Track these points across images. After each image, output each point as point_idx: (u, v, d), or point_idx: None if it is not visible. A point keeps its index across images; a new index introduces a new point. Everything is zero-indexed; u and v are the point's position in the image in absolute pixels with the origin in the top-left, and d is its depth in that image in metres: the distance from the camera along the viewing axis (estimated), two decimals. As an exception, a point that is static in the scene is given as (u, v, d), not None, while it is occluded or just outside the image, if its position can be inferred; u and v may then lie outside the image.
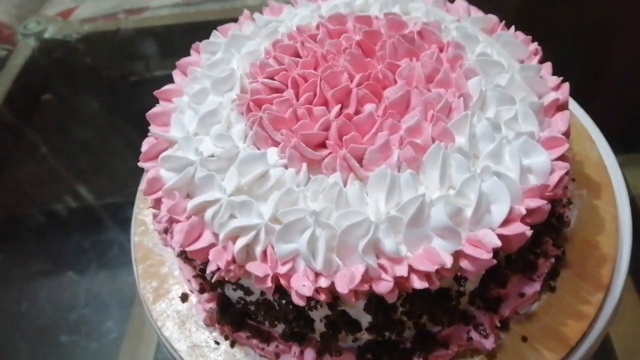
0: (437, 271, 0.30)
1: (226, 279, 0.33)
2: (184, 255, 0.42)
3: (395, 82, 0.38)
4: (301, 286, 0.31)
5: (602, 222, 0.41)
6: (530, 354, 0.35)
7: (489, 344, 0.35)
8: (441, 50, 0.40)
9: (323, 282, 0.31)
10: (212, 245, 0.34)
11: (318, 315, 0.34)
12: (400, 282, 0.30)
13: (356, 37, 0.41)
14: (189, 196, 0.36)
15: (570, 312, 0.37)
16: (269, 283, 0.31)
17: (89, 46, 1.00)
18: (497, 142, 0.34)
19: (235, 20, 0.49)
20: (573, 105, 0.50)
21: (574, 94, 0.39)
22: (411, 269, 0.30)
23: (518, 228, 0.31)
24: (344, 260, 0.31)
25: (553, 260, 0.38)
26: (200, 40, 0.48)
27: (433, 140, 0.34)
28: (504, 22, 0.44)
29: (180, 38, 0.96)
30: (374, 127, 0.35)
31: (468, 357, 0.36)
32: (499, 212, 0.32)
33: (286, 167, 0.35)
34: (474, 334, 0.35)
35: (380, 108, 0.36)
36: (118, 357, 0.57)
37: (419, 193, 0.32)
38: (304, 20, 0.45)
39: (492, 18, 0.45)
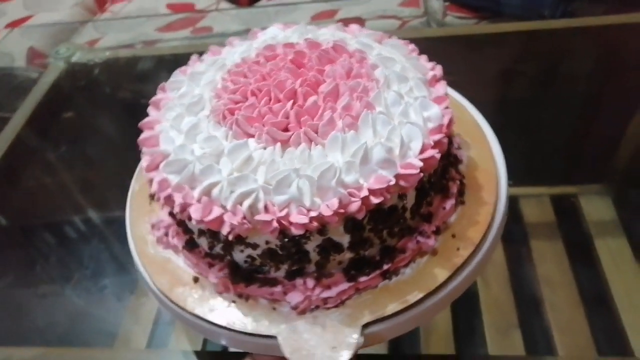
0: (386, 189, 0.44)
1: (240, 234, 0.44)
2: (189, 245, 0.53)
3: (325, 81, 0.53)
4: (298, 219, 0.43)
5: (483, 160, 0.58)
6: (460, 242, 0.50)
7: (431, 242, 0.49)
8: (350, 57, 0.56)
9: (313, 213, 0.43)
10: (223, 214, 0.45)
11: (311, 246, 0.46)
12: (364, 201, 0.44)
13: (288, 57, 0.55)
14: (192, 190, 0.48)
15: (475, 219, 0.52)
16: (275, 224, 0.43)
17: (108, 70, 1.13)
18: (403, 105, 0.50)
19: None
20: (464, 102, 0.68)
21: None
22: (369, 191, 0.44)
23: (430, 153, 0.47)
24: (323, 198, 0.44)
25: (459, 183, 0.54)
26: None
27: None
28: (388, 34, 0.62)
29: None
30: (319, 110, 0.49)
31: (418, 258, 0.50)
32: (416, 146, 0.47)
33: (264, 148, 0.48)
34: (420, 238, 0.49)
35: (319, 99, 0.51)
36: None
37: (362, 142, 0.46)
38: (244, 54, 0.59)
39: (378, 33, 0.62)
